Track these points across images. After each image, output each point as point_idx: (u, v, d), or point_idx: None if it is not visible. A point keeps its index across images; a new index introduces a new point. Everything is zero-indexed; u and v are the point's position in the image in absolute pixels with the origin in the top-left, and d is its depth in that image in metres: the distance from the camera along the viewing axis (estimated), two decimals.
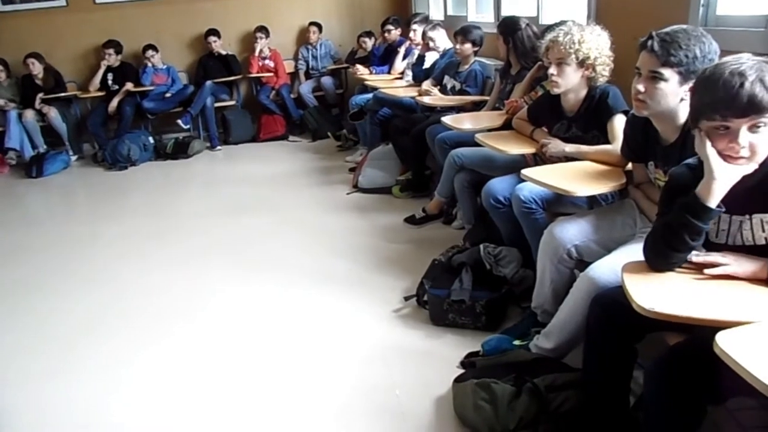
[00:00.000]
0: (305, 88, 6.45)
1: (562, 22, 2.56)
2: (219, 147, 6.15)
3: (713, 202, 1.36)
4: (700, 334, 1.25)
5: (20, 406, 2.21)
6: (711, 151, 1.35)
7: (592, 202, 2.41)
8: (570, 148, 2.43)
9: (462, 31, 3.88)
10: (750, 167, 1.35)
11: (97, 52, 6.12)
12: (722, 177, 1.34)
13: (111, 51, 5.96)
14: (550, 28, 2.63)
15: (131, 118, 5.98)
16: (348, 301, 2.78)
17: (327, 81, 6.45)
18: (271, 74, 6.39)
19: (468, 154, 3.14)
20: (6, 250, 3.84)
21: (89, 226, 4.18)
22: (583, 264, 2.00)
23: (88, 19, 6.19)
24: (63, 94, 5.99)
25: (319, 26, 6.50)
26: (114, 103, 5.92)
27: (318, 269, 3.15)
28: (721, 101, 1.30)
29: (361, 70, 5.55)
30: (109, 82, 6.02)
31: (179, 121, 5.95)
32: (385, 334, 2.49)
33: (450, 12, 5.58)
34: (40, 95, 5.83)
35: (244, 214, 4.12)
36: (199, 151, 6.01)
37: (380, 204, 4.08)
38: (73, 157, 6.06)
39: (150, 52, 6.07)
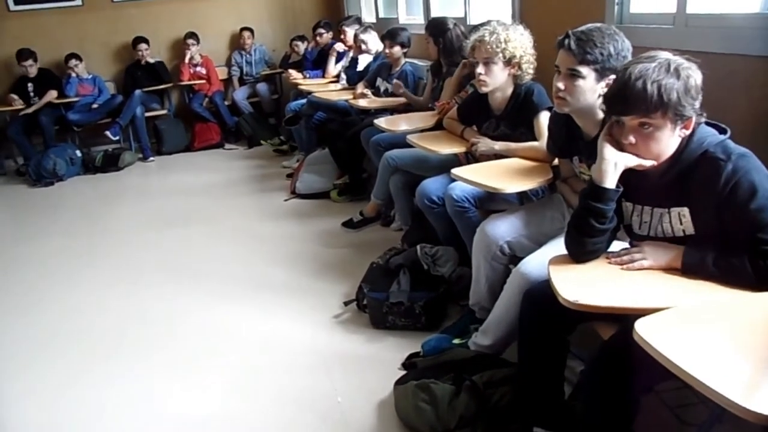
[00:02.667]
0: (240, 94, 6.34)
1: (488, 22, 2.59)
2: (152, 158, 5.95)
3: (607, 182, 1.43)
4: (627, 325, 1.27)
5: None
6: (603, 137, 1.44)
7: (523, 198, 2.45)
8: (499, 145, 2.47)
9: (389, 35, 3.90)
10: (646, 162, 1.41)
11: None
12: (609, 159, 1.42)
13: (30, 62, 5.65)
14: (475, 28, 2.66)
15: (53, 130, 5.70)
16: (287, 309, 2.74)
17: (262, 87, 6.35)
18: (204, 81, 6.25)
19: (401, 156, 3.14)
20: None
21: (13, 248, 3.95)
22: (516, 259, 2.03)
23: (3, 28, 5.85)
24: None
25: (252, 31, 6.40)
26: (30, 109, 5.59)
27: (256, 278, 3.09)
28: (608, 98, 1.40)
29: (294, 75, 5.50)
30: (30, 93, 5.70)
31: (108, 133, 5.72)
32: (326, 341, 2.46)
33: (381, 14, 5.60)
34: None
35: (180, 226, 4.00)
36: (131, 163, 5.79)
37: (318, 209, 4.04)
38: None
39: (73, 62, 5.80)
